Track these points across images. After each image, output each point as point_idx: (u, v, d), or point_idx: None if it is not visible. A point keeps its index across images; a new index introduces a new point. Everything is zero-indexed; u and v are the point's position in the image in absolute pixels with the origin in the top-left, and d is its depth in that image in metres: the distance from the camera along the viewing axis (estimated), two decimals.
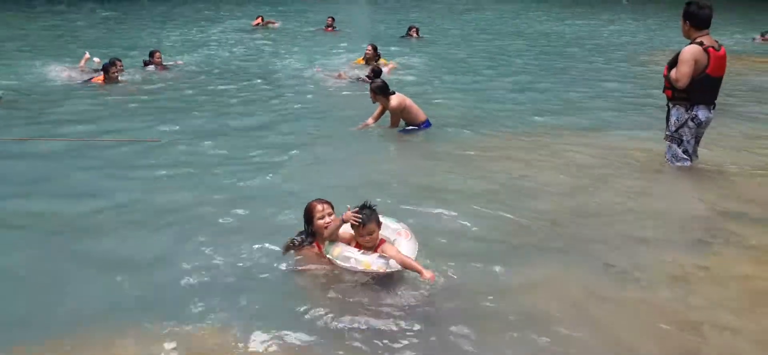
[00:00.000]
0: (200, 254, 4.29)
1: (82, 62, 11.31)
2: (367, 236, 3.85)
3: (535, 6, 30.60)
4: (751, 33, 19.72)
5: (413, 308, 3.64)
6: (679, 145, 6.01)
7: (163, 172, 6.11)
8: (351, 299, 3.70)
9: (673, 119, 5.99)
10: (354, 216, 3.82)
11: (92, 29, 19.01)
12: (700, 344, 3.42)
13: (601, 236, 4.72)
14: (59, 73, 11.00)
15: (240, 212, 5.01)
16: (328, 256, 3.92)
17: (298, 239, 4.18)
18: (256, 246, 4.33)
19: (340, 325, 3.47)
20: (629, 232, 4.79)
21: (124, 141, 7.07)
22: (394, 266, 3.77)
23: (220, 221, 4.86)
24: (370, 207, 3.87)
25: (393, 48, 14.88)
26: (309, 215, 4.12)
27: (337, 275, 3.89)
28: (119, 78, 10.16)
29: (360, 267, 3.79)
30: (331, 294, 3.76)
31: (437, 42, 17.01)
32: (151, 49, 12.17)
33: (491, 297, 3.75)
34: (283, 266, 4.09)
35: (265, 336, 3.36)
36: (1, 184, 5.74)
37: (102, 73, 10.09)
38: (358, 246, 3.92)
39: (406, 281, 3.83)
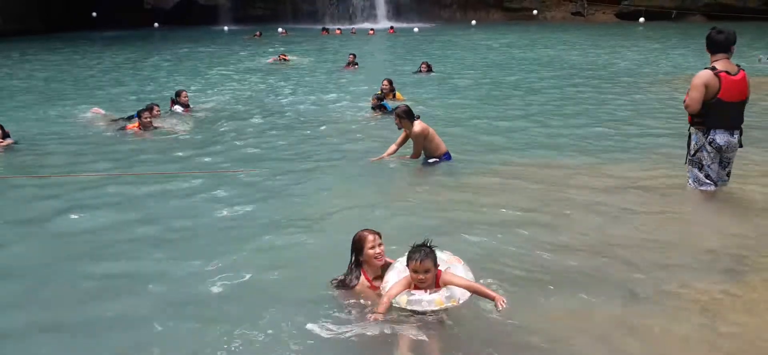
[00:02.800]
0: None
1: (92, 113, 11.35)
2: (422, 275, 3.77)
3: (561, 37, 30.67)
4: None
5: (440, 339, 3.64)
6: (700, 170, 6.03)
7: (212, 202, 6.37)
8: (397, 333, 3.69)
9: (692, 144, 6.06)
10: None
11: (105, 73, 19.27)
12: None
13: (626, 264, 4.67)
14: (91, 121, 10.98)
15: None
16: (395, 305, 3.80)
17: (350, 277, 4.11)
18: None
19: None
20: (655, 260, 4.74)
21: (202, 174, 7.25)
22: (463, 295, 3.76)
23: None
24: (426, 245, 3.83)
25: (405, 80, 15.07)
26: (359, 245, 4.07)
27: (392, 312, 3.83)
28: (154, 123, 10.05)
29: (433, 307, 3.73)
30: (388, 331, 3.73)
31: (453, 76, 17.12)
32: (178, 88, 12.28)
33: (516, 329, 3.73)
34: (336, 304, 4.06)
35: None
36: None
37: (136, 119, 10.05)
38: (417, 288, 3.84)
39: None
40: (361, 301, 4.01)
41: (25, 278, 4.73)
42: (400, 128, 7.68)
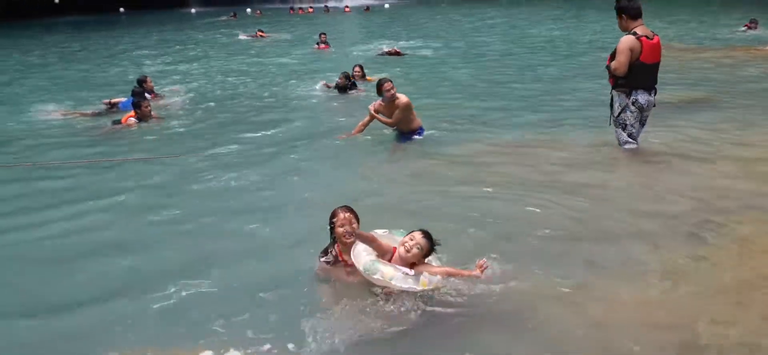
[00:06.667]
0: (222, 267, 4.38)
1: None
2: (413, 248, 3.79)
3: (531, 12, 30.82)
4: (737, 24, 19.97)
5: (402, 315, 3.66)
6: (624, 129, 6.56)
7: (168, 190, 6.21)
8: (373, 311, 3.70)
9: (616, 105, 6.55)
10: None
11: (64, 61, 18.69)
12: (693, 336, 3.43)
13: (591, 234, 4.74)
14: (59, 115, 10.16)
15: (253, 227, 5.13)
16: (374, 276, 3.76)
17: (330, 249, 4.13)
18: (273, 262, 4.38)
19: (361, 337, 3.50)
20: (619, 227, 4.82)
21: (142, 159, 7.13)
22: (440, 281, 3.79)
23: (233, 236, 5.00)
24: (432, 237, 3.87)
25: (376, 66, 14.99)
26: (331, 221, 4.09)
27: (363, 288, 3.85)
28: (152, 112, 9.28)
29: (418, 287, 3.72)
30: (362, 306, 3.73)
31: (424, 54, 17.11)
32: (140, 75, 11.72)
33: (484, 301, 3.76)
34: (309, 283, 4.08)
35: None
36: None
37: (133, 109, 9.15)
38: (392, 259, 3.86)
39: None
40: (336, 284, 4.01)
41: None
42: (390, 98, 7.49)
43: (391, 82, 7.59)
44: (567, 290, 3.92)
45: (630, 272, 4.12)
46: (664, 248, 4.43)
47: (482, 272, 3.77)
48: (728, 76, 11.78)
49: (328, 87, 11.58)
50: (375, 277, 3.76)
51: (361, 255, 3.88)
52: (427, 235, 3.87)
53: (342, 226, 4.01)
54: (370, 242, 3.90)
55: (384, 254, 3.91)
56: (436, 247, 3.92)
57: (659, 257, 4.29)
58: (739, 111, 8.78)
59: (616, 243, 4.56)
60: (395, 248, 3.92)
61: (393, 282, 3.73)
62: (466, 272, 3.85)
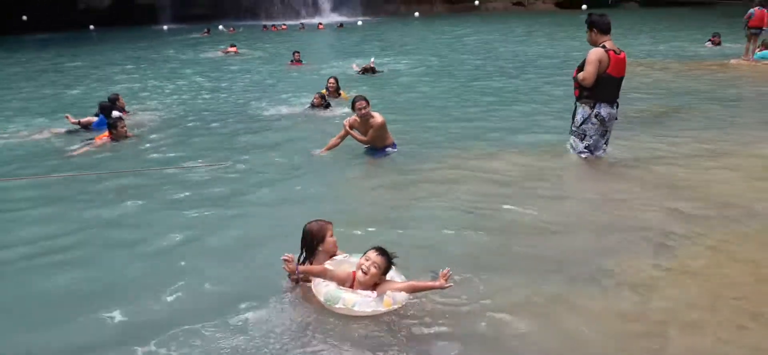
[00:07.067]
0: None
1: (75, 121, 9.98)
2: (369, 265, 3.76)
3: (501, 27, 31.24)
4: (703, 40, 20.55)
5: (371, 338, 3.64)
6: (582, 140, 6.81)
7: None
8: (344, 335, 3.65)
9: (578, 117, 6.77)
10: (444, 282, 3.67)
11: (32, 80, 18.30)
12: (664, 345, 3.49)
13: (564, 247, 4.80)
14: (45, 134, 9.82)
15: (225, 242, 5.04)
16: (337, 306, 3.72)
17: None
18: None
19: None
20: (590, 239, 4.90)
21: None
22: (404, 298, 3.77)
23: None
24: (387, 252, 3.84)
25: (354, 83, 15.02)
26: (320, 234, 4.04)
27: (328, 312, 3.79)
28: (127, 132, 9.16)
29: (381, 309, 3.68)
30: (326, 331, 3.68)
31: (397, 69, 17.22)
32: (112, 93, 11.36)
33: (459, 316, 3.78)
34: (276, 304, 3.99)
35: None
36: None
37: (107, 129, 9.07)
38: (353, 285, 3.82)
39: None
40: (303, 307, 3.95)
41: None
42: (363, 117, 7.49)
43: (366, 100, 7.58)
44: (540, 302, 3.96)
45: (602, 283, 4.17)
46: (635, 258, 4.51)
47: (446, 281, 3.70)
48: (692, 90, 12.09)
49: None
50: (337, 306, 3.72)
51: (320, 286, 3.85)
52: (381, 251, 3.83)
53: (332, 235, 4.08)
54: (323, 275, 3.85)
55: (343, 281, 3.85)
56: (394, 260, 3.88)
57: (630, 268, 4.36)
58: (703, 122, 9.03)
59: (587, 255, 4.62)
60: (354, 273, 3.87)
61: (356, 308, 3.70)
62: (430, 284, 3.80)
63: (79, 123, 9.97)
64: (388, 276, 3.91)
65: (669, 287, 4.11)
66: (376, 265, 3.78)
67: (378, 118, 7.55)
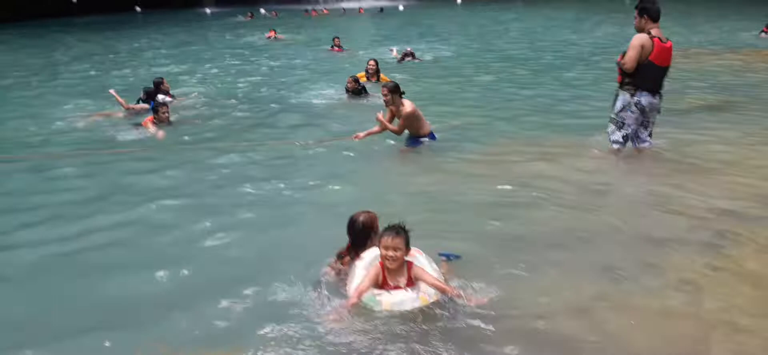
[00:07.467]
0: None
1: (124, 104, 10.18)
2: (392, 252, 3.69)
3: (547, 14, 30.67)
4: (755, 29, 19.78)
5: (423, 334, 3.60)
6: (619, 129, 6.63)
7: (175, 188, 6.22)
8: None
9: (618, 103, 6.61)
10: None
11: (82, 62, 18.59)
12: (711, 348, 3.38)
13: (606, 241, 4.69)
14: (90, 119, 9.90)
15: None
16: (377, 310, 3.66)
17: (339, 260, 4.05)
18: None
19: None
20: (635, 235, 4.77)
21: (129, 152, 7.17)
22: (434, 291, 3.75)
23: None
24: (399, 225, 3.77)
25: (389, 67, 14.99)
26: (375, 226, 3.99)
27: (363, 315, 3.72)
28: (170, 117, 9.20)
29: (418, 304, 3.67)
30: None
31: (438, 56, 17.05)
32: (156, 77, 11.48)
33: (499, 310, 3.72)
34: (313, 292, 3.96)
35: None
36: None
37: (152, 114, 9.16)
38: (385, 282, 3.78)
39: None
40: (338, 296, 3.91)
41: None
42: (387, 105, 7.52)
43: (388, 89, 7.44)
44: (583, 300, 3.87)
45: (647, 282, 4.05)
46: (682, 257, 4.37)
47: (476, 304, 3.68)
48: (748, 81, 11.62)
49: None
50: (378, 310, 3.69)
51: (354, 282, 3.83)
52: (395, 231, 3.72)
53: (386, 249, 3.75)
54: (359, 295, 3.73)
55: (376, 282, 3.79)
56: (409, 231, 3.77)
57: (676, 266, 4.23)
58: (755, 116, 8.66)
59: (631, 252, 4.49)
60: (381, 264, 3.81)
61: (396, 308, 3.68)
62: (453, 290, 3.76)
63: (127, 107, 10.14)
64: (418, 263, 3.88)
65: (718, 288, 3.96)
66: (395, 248, 3.71)
67: (407, 107, 7.41)
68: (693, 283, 4.01)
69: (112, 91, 10.55)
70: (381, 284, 3.80)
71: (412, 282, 3.81)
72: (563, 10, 33.37)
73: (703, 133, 7.69)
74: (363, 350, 3.41)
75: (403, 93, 7.55)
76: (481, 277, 4.03)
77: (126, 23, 33.82)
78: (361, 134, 7.70)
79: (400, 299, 3.70)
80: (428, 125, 7.70)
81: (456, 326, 3.59)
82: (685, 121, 8.23)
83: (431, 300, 3.73)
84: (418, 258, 3.93)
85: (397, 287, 3.78)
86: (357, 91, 10.84)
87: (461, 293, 3.79)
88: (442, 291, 3.77)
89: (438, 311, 3.71)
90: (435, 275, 3.87)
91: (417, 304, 3.70)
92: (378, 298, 3.72)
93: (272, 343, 3.46)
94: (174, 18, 36.00)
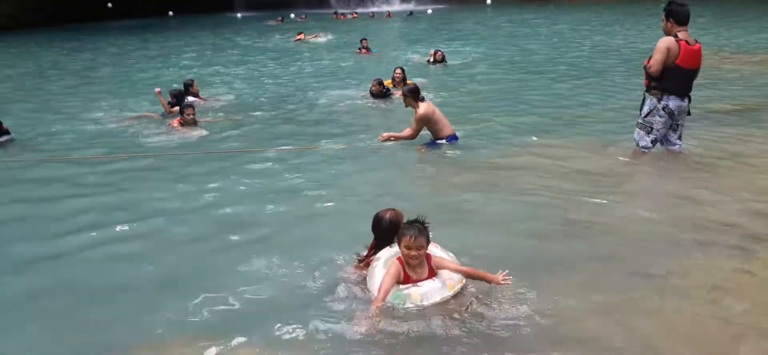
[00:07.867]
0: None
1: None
2: (415, 252, 3.65)
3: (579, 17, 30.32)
4: None
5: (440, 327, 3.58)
6: (648, 133, 6.58)
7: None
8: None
9: (645, 108, 6.55)
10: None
11: (118, 66, 19.03)
12: (739, 353, 3.28)
13: (635, 243, 4.60)
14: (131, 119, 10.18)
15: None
16: (406, 305, 3.63)
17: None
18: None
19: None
20: (664, 238, 4.67)
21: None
22: (459, 277, 3.76)
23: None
24: (418, 221, 3.74)
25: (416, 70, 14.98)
26: (396, 226, 3.90)
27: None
28: (196, 119, 9.29)
29: (448, 293, 3.68)
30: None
31: (466, 59, 16.97)
32: (186, 78, 11.77)
33: (523, 313, 3.67)
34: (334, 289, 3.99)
35: None
36: None
37: (179, 115, 9.35)
38: (407, 277, 3.75)
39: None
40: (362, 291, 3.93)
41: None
42: (406, 106, 7.69)
43: (405, 96, 7.60)
44: (608, 302, 3.81)
45: (674, 284, 3.97)
46: (711, 260, 4.27)
47: (504, 282, 3.72)
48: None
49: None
50: (406, 306, 3.67)
51: (374, 279, 3.81)
52: (417, 230, 3.66)
53: (408, 248, 3.70)
54: (385, 295, 3.68)
55: (398, 279, 3.75)
56: (427, 224, 3.74)
57: (705, 270, 4.14)
58: None
59: (658, 254, 4.41)
60: (400, 259, 3.76)
61: (425, 302, 3.66)
62: (486, 274, 3.80)
63: (170, 110, 10.27)
64: (436, 254, 3.86)
65: (747, 293, 3.86)
66: (418, 245, 3.66)
67: (421, 109, 7.45)
68: (723, 287, 3.92)
69: (157, 89, 10.78)
70: (403, 280, 3.78)
71: (433, 272, 3.79)
72: (596, 12, 32.93)
73: (736, 135, 7.51)
74: (398, 350, 3.39)
75: (423, 99, 7.58)
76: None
77: (159, 27, 34.47)
78: (386, 135, 7.83)
79: (428, 290, 3.69)
80: (449, 127, 7.68)
81: (477, 327, 3.55)
82: (718, 124, 8.04)
83: (458, 286, 3.72)
84: (434, 250, 3.92)
85: (420, 280, 3.76)
86: (381, 94, 10.88)
87: (485, 272, 3.78)
88: (467, 275, 3.77)
89: (465, 299, 3.70)
90: (454, 262, 3.86)
91: (446, 292, 3.69)
92: (406, 292, 3.69)
93: (299, 347, 3.47)
94: (206, 22, 36.58)
